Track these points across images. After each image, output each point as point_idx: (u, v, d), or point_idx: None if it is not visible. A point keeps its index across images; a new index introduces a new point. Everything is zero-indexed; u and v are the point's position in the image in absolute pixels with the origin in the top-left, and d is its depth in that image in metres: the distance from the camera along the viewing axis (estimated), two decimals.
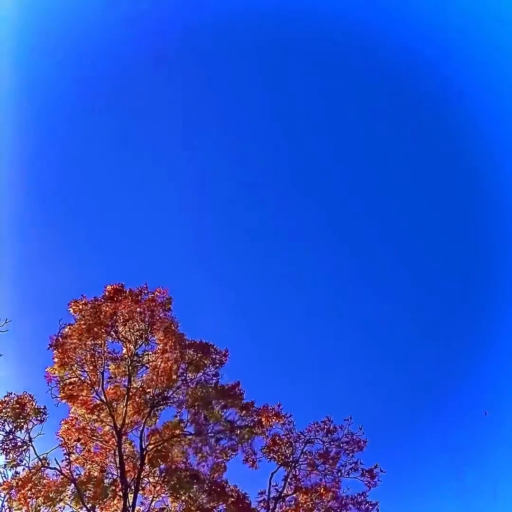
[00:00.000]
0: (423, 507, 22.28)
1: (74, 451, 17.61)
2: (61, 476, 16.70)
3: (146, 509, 17.77)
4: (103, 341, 18.04)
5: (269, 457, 18.02)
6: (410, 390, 27.27)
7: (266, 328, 29.05)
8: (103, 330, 17.82)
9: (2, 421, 16.23)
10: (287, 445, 17.94)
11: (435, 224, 28.59)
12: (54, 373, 17.60)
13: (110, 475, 17.53)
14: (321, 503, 16.99)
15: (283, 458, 17.84)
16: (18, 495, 15.98)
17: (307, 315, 29.44)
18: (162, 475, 17.85)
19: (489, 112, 28.06)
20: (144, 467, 17.45)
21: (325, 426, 17.83)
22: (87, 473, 17.42)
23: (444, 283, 29.25)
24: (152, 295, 18.76)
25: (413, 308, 29.48)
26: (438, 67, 28.57)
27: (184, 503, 17.49)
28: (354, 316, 29.54)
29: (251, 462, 18.31)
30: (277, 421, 18.26)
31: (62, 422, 17.86)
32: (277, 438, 18.10)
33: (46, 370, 17.62)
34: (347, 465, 17.35)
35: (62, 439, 17.49)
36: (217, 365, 18.87)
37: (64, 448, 17.22)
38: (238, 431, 18.37)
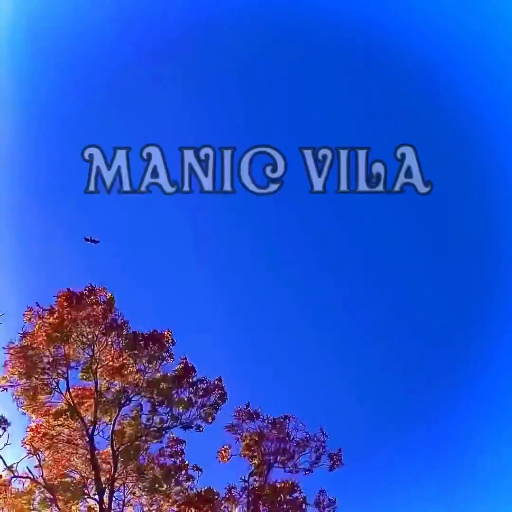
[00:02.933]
0: None
1: (42, 457, 17.70)
2: (31, 483, 17.04)
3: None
4: (61, 347, 17.87)
5: (247, 456, 18.72)
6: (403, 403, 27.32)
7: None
8: (59, 336, 17.66)
9: None
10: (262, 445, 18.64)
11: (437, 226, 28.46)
12: (8, 382, 17.54)
13: (80, 477, 17.88)
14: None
15: (260, 457, 18.52)
16: None
17: (291, 317, 29.36)
18: (135, 475, 18.45)
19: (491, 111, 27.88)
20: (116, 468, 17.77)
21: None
22: (57, 477, 17.76)
23: (444, 290, 29.21)
24: (94, 296, 18.48)
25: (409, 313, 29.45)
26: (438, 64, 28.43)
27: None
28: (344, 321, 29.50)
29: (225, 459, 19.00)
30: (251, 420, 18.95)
31: (27, 430, 17.89)
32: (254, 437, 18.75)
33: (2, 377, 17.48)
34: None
35: (29, 447, 17.55)
36: (168, 349, 19.14)
37: (32, 455, 17.37)
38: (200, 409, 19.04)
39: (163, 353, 19.06)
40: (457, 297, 28.60)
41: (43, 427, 17.94)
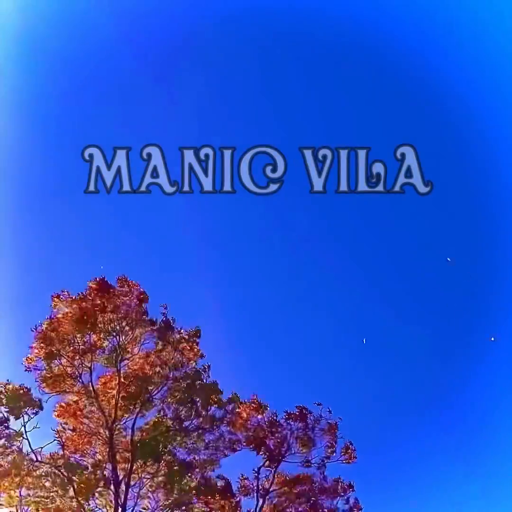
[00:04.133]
0: None
1: (66, 436, 18.18)
2: (52, 467, 17.13)
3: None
4: (89, 334, 18.23)
5: (255, 450, 18.66)
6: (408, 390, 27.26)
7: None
8: (88, 324, 18.02)
9: None
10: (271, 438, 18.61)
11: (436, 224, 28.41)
12: (34, 364, 17.87)
13: (101, 465, 17.88)
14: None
15: (269, 451, 18.50)
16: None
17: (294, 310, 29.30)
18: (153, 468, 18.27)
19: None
20: (135, 461, 17.81)
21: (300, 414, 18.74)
22: (78, 463, 17.84)
23: (444, 289, 29.18)
24: (129, 289, 18.91)
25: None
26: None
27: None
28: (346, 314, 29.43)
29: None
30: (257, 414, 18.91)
31: (57, 406, 18.43)
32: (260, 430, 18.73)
33: (27, 358, 17.84)
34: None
35: (58, 417, 18.15)
36: (194, 360, 19.35)
37: (57, 435, 17.85)
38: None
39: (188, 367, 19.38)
40: (458, 296, 28.65)
41: (72, 405, 18.38)
